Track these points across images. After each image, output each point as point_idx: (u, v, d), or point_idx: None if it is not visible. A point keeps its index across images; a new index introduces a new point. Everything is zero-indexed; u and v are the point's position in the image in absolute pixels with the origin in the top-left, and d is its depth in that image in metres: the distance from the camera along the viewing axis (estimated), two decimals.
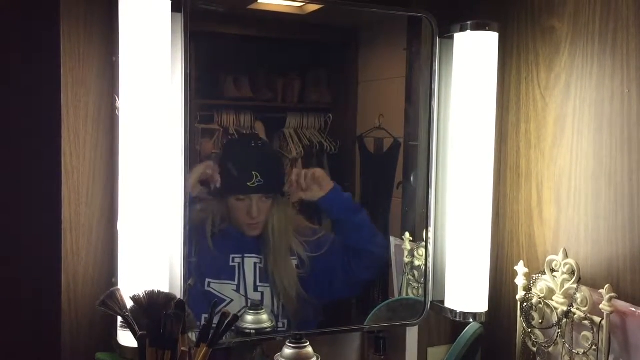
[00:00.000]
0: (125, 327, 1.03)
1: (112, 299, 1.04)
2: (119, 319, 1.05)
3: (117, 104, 1.14)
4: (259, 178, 1.35)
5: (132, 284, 1.09)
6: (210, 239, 1.32)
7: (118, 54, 1.12)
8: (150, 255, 1.12)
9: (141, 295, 1.03)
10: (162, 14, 1.11)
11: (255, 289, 1.35)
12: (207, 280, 1.31)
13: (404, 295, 1.44)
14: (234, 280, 1.34)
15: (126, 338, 1.09)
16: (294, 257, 1.38)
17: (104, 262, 1.21)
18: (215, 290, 1.32)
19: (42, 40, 1.23)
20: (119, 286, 1.10)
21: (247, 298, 1.33)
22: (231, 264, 1.34)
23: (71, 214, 1.18)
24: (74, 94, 1.18)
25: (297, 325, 1.36)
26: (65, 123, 1.17)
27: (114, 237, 1.17)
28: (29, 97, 1.24)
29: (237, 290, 1.33)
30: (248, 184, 1.34)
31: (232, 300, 1.32)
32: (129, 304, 1.03)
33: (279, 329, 1.33)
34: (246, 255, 1.35)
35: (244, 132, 1.37)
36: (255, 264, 1.35)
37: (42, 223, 1.23)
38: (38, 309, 1.25)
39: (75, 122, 1.18)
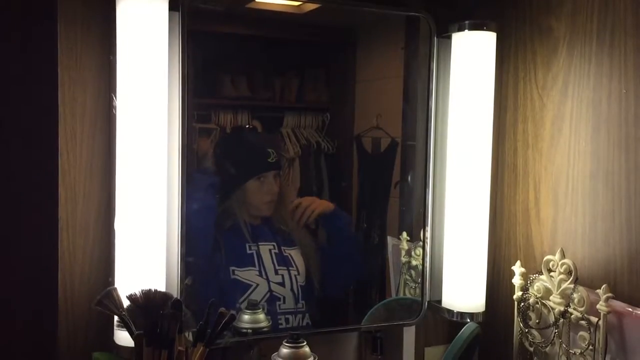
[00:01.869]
0: (122, 327, 1.03)
1: (108, 298, 1.04)
2: (116, 318, 1.05)
3: (114, 103, 1.14)
4: (275, 154, 1.40)
5: (128, 283, 1.09)
6: (227, 231, 1.36)
7: (115, 52, 1.11)
8: (147, 254, 1.12)
9: (138, 294, 1.03)
10: (160, 12, 1.10)
11: (276, 272, 1.38)
12: (231, 268, 1.35)
13: (401, 295, 1.44)
14: (255, 266, 1.37)
15: (123, 338, 1.09)
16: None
17: (100, 261, 1.20)
18: (241, 278, 1.35)
19: (39, 39, 1.22)
20: (116, 285, 1.10)
21: (269, 281, 1.37)
22: (248, 252, 1.37)
23: (68, 213, 1.18)
24: (71, 92, 1.17)
25: (315, 309, 1.41)
26: (62, 122, 1.17)
27: (110, 236, 1.16)
28: (25, 96, 1.24)
29: (260, 275, 1.37)
30: (268, 159, 1.39)
31: (257, 285, 1.36)
32: (126, 303, 1.03)
33: (298, 309, 1.38)
34: (260, 243, 1.39)
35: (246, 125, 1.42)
36: (269, 250, 1.39)
37: (38, 222, 1.22)
38: (34, 308, 1.24)
39: (72, 121, 1.17)
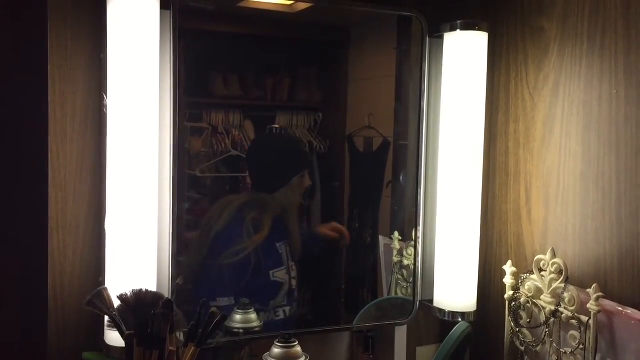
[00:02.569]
0: (113, 327, 1.03)
1: (99, 298, 1.03)
2: (106, 318, 1.05)
3: (104, 102, 1.14)
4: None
5: (119, 283, 1.09)
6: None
7: (106, 51, 1.11)
8: (138, 254, 1.11)
9: (129, 294, 1.02)
10: (151, 11, 1.10)
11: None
12: (271, 272, 1.38)
13: (392, 294, 1.45)
14: (283, 265, 1.40)
15: (113, 338, 1.08)
16: None
17: (91, 261, 1.20)
18: (279, 279, 1.38)
19: (29, 37, 1.21)
20: (106, 285, 1.09)
21: (290, 278, 1.41)
22: (279, 252, 1.40)
23: (58, 213, 1.17)
24: (61, 91, 1.16)
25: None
26: (52, 121, 1.16)
27: (101, 235, 1.16)
28: (15, 94, 1.23)
29: (288, 273, 1.40)
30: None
31: (283, 283, 1.39)
32: (117, 303, 1.03)
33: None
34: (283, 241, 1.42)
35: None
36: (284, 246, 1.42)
37: (28, 221, 1.22)
38: (25, 308, 1.23)
39: (62, 120, 1.17)
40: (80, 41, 1.17)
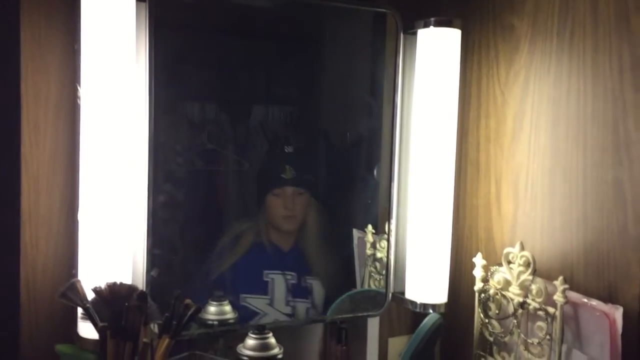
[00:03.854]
0: (86, 319, 1.02)
1: (72, 290, 1.03)
2: (80, 310, 1.04)
3: (78, 93, 1.13)
4: (292, 171, 1.39)
5: (93, 275, 1.08)
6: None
7: (80, 42, 1.10)
8: (111, 246, 1.11)
9: (103, 287, 1.02)
10: (126, 2, 1.09)
11: (287, 304, 1.36)
12: (242, 295, 1.32)
13: (366, 287, 1.46)
14: (268, 295, 1.35)
15: (87, 330, 1.08)
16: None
17: (64, 253, 1.19)
18: (251, 305, 1.33)
19: (1, 26, 1.20)
20: (79, 277, 1.09)
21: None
22: (264, 279, 1.35)
23: (30, 205, 1.16)
24: (34, 82, 1.15)
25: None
26: (25, 112, 1.15)
27: (74, 228, 1.15)
28: None
29: (271, 304, 1.35)
30: (282, 175, 1.38)
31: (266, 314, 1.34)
32: (90, 295, 1.03)
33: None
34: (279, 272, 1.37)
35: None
36: (287, 279, 1.37)
37: (0, 214, 1.20)
38: None
39: (35, 111, 1.15)
40: (53, 32, 1.16)
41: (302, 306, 1.38)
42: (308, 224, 1.42)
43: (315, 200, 1.43)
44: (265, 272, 1.37)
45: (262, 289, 1.35)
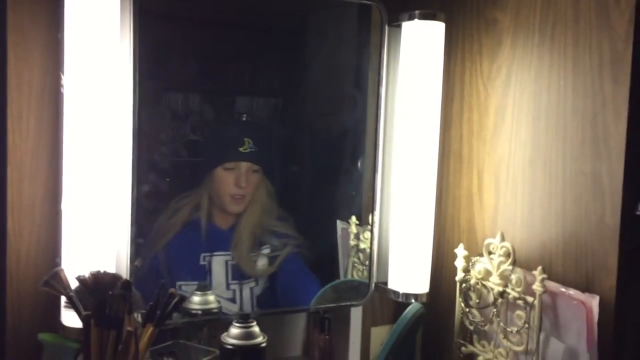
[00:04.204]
0: (70, 307, 1.03)
1: (56, 279, 1.03)
2: (63, 299, 1.04)
3: (62, 82, 1.12)
4: (251, 144, 1.31)
5: (76, 264, 1.09)
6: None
7: (64, 31, 1.09)
8: (95, 235, 1.11)
9: (87, 275, 1.02)
10: None
11: (227, 287, 1.32)
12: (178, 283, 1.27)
13: (349, 277, 1.48)
14: (205, 280, 1.30)
15: (70, 318, 1.08)
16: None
17: (47, 242, 1.19)
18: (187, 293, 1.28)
19: None
20: (63, 266, 1.09)
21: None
22: (201, 262, 1.28)
23: (13, 194, 1.16)
24: (18, 70, 1.15)
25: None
26: (9, 100, 1.14)
27: (57, 217, 1.15)
28: None
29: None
30: (240, 149, 1.30)
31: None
32: (74, 284, 1.03)
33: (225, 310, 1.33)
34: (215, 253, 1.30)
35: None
36: (226, 261, 1.31)
37: None
38: None
39: (18, 99, 1.15)
40: (37, 20, 1.15)
41: (246, 287, 1.31)
42: (254, 202, 1.35)
43: (266, 178, 1.37)
44: (203, 254, 1.29)
45: (200, 274, 1.28)
